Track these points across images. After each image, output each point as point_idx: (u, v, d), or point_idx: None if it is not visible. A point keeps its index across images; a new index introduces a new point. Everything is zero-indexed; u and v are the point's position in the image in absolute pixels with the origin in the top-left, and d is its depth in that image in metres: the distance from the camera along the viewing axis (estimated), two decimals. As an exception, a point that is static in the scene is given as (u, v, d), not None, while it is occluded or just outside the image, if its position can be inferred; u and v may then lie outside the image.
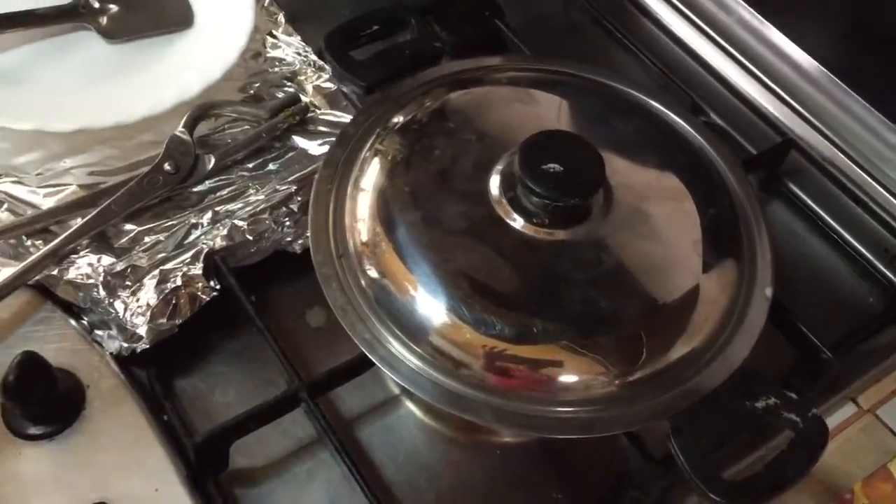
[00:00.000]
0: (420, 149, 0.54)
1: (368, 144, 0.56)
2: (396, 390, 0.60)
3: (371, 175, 0.54)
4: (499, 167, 0.53)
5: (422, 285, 0.50)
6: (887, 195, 0.71)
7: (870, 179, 0.72)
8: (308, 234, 0.60)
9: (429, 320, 0.50)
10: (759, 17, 0.78)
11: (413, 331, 0.50)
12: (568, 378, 0.49)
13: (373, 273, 0.51)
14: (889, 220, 0.71)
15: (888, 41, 0.71)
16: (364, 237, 0.52)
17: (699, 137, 0.60)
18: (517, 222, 0.51)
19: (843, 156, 0.73)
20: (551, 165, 0.50)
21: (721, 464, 0.48)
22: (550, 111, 0.57)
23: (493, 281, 0.51)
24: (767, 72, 0.78)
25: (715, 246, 0.53)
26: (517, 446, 0.59)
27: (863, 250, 0.71)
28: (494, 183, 0.53)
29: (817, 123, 0.74)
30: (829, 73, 0.73)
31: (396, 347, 0.50)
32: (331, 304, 0.51)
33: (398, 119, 0.57)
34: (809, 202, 0.73)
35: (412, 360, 0.49)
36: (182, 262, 0.58)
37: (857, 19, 0.73)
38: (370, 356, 0.49)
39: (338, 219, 0.53)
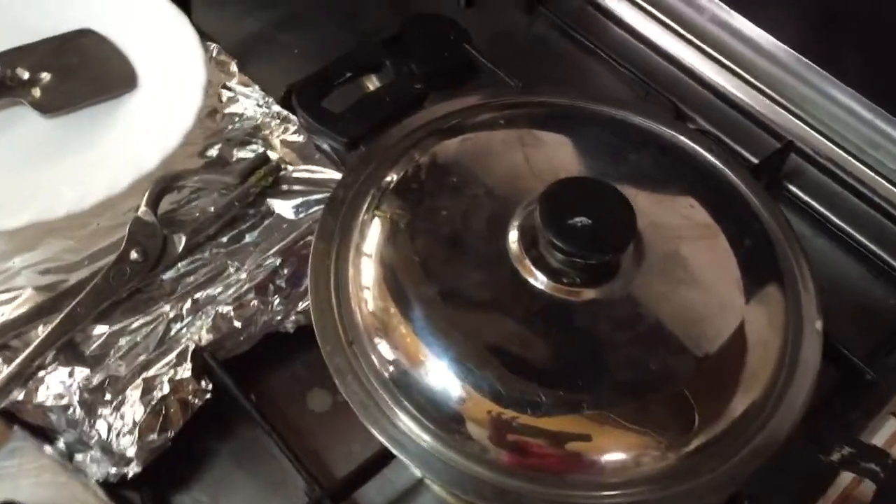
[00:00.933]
0: (424, 211, 0.49)
1: (364, 209, 0.50)
2: (419, 473, 0.54)
3: (373, 246, 0.49)
4: (515, 223, 0.48)
5: (444, 365, 0.45)
6: (890, 186, 0.69)
7: (870, 172, 0.69)
8: (299, 311, 0.55)
9: (457, 404, 0.44)
10: (731, 10, 0.75)
11: (441, 419, 0.45)
12: (615, 455, 0.44)
13: (389, 356, 0.46)
14: (893, 210, 0.68)
15: (865, 23, 0.68)
16: (375, 318, 0.47)
17: (711, 157, 0.55)
18: (542, 283, 0.47)
19: (840, 151, 0.70)
20: (578, 219, 0.45)
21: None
22: (558, 152, 0.52)
23: (521, 352, 0.46)
24: (747, 68, 0.74)
25: (756, 282, 0.49)
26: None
27: (875, 248, 0.67)
28: (513, 241, 0.48)
29: (809, 119, 0.71)
30: (810, 62, 0.70)
31: (425, 439, 0.44)
32: (348, 399, 0.45)
33: (392, 177, 0.51)
34: (814, 204, 0.69)
35: (443, 452, 0.44)
36: (167, 364, 0.51)
37: (828, 3, 0.70)
38: (400, 455, 0.44)
39: (342, 299, 0.48)
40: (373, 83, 0.62)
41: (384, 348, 0.46)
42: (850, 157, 0.70)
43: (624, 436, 0.44)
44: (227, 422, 0.53)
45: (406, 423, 0.45)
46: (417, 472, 0.52)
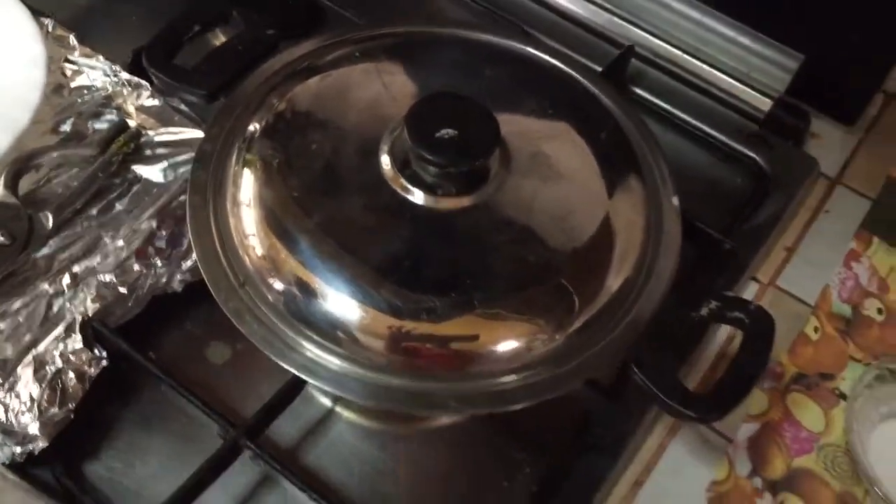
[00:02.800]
0: (294, 149, 0.50)
1: (234, 158, 0.51)
2: (329, 403, 0.55)
3: (249, 189, 0.49)
4: (385, 147, 0.50)
5: (335, 287, 0.46)
6: (723, 76, 0.74)
7: (706, 67, 0.74)
8: (184, 270, 0.55)
9: (357, 324, 0.46)
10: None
11: (345, 340, 0.46)
12: (509, 345, 0.47)
13: (283, 291, 0.47)
14: (733, 101, 0.74)
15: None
16: (264, 259, 0.47)
17: (562, 65, 0.58)
18: (420, 198, 0.48)
19: (677, 51, 0.75)
20: (444, 132, 0.47)
21: (686, 380, 0.47)
22: (415, 76, 0.54)
23: (406, 262, 0.48)
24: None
25: (615, 171, 0.52)
26: (466, 422, 0.57)
27: (718, 135, 0.72)
28: (386, 164, 0.49)
29: (645, 25, 0.75)
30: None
31: (333, 362, 0.46)
32: (250, 337, 0.46)
33: (257, 123, 0.52)
34: (660, 102, 0.74)
35: (352, 370, 0.46)
36: (55, 339, 0.50)
37: None
38: (313, 380, 0.45)
39: (226, 244, 0.48)
40: (222, 36, 0.61)
41: (277, 285, 0.47)
42: (686, 56, 0.74)
43: (514, 326, 0.47)
44: (129, 386, 0.53)
45: (312, 350, 0.46)
46: (328, 399, 0.53)
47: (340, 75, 0.54)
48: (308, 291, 0.46)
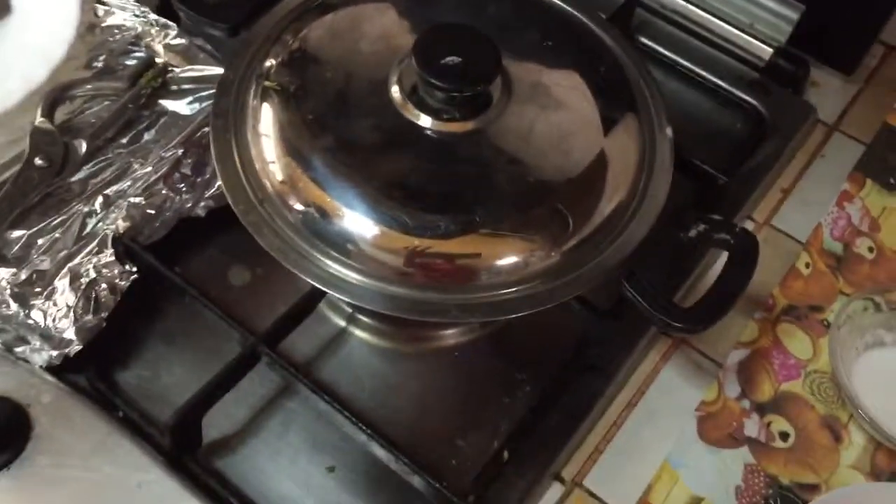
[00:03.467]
0: (311, 76, 0.53)
1: (254, 86, 0.54)
2: (342, 322, 0.59)
3: (268, 114, 0.52)
4: (395, 76, 0.53)
5: (348, 205, 0.49)
6: (726, 26, 0.76)
7: (710, 17, 0.77)
8: (207, 196, 0.59)
9: (364, 237, 0.49)
10: None
11: (351, 250, 0.49)
12: (508, 260, 0.50)
13: (299, 207, 0.50)
14: (734, 49, 0.76)
15: None
16: (280, 176, 0.51)
17: (567, 7, 0.61)
18: (426, 122, 0.52)
19: (681, 0, 0.77)
20: (449, 59, 0.50)
21: (673, 294, 0.51)
22: (424, 12, 0.57)
23: (414, 183, 0.51)
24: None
25: (611, 101, 0.55)
26: (470, 343, 0.60)
27: (720, 82, 0.75)
28: (395, 91, 0.52)
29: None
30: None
31: (348, 275, 0.49)
32: (268, 248, 0.49)
33: (276, 55, 0.55)
34: (663, 51, 0.76)
35: (360, 280, 0.49)
36: (89, 253, 0.54)
37: None
38: (325, 288, 0.49)
39: (247, 166, 0.52)
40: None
41: (294, 203, 0.50)
42: (691, 6, 0.77)
43: (513, 243, 0.50)
44: (156, 301, 0.57)
45: (326, 262, 0.49)
46: (342, 319, 0.57)
47: (353, 11, 0.57)
48: (322, 209, 0.50)
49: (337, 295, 0.49)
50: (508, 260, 0.50)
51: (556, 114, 0.54)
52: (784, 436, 0.57)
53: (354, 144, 0.51)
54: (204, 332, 0.57)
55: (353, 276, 0.49)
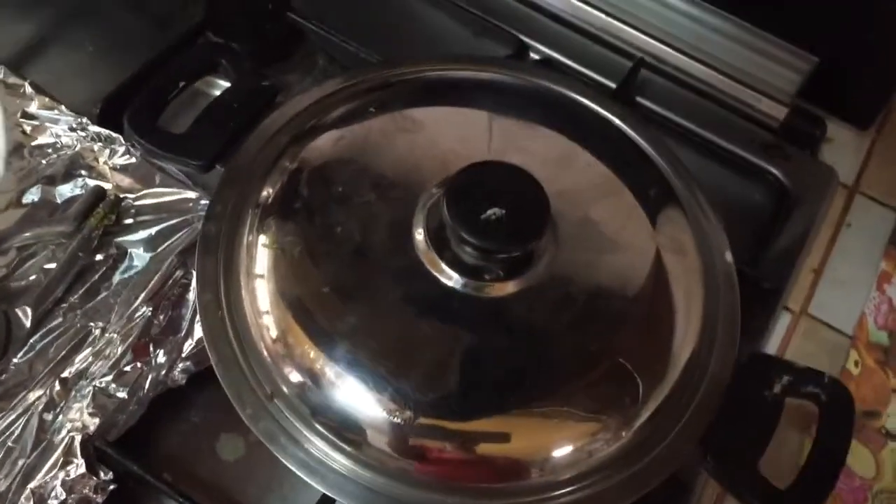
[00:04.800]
0: (318, 232, 0.44)
1: (246, 244, 0.44)
2: None
3: (272, 287, 0.43)
4: (420, 225, 0.44)
5: (387, 396, 0.41)
6: (737, 84, 0.69)
7: (717, 74, 0.70)
8: (184, 357, 0.49)
9: (411, 431, 0.41)
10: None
11: (387, 457, 0.41)
12: (564, 449, 0.42)
13: (316, 401, 0.41)
14: (746, 109, 0.69)
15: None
16: (295, 365, 0.42)
17: (586, 101, 0.53)
18: (462, 283, 0.43)
19: (683, 56, 0.70)
20: (491, 211, 0.41)
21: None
22: (440, 133, 0.48)
23: (460, 362, 0.42)
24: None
25: (666, 230, 0.48)
26: None
27: (734, 148, 0.68)
28: (421, 245, 0.43)
29: (647, 29, 0.70)
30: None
31: (370, 479, 0.41)
32: (289, 463, 0.41)
33: (267, 197, 0.45)
34: (669, 114, 0.69)
35: (396, 490, 0.41)
36: (54, 465, 0.44)
37: None
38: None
39: (248, 351, 0.42)
40: (211, 86, 0.54)
41: (313, 396, 0.41)
42: (694, 62, 0.69)
43: (569, 427, 0.42)
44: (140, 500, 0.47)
45: (349, 466, 0.41)
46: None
47: (357, 134, 0.47)
48: (344, 400, 0.41)
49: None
50: (563, 450, 0.42)
51: (610, 256, 0.46)
52: (864, 575, 0.52)
53: (381, 320, 0.43)
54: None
55: (385, 483, 0.41)
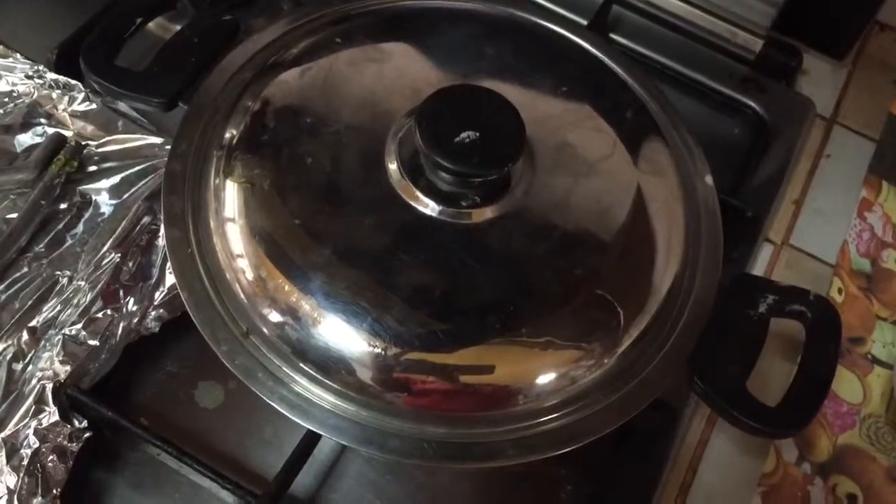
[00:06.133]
0: (286, 165, 0.42)
1: (213, 179, 0.43)
2: (364, 452, 0.49)
3: (241, 223, 0.41)
4: (392, 154, 0.43)
5: (365, 328, 0.39)
6: (711, 18, 0.68)
7: (690, 7, 0.68)
8: (157, 304, 0.48)
9: (382, 364, 0.40)
10: None
11: (368, 386, 0.40)
12: (548, 376, 0.41)
13: (294, 336, 0.40)
14: (721, 43, 0.69)
15: None
16: (270, 300, 0.40)
17: (558, 28, 0.52)
18: (439, 211, 0.42)
19: (654, -11, 0.69)
20: (465, 135, 0.40)
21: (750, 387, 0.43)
22: (409, 62, 0.46)
23: (440, 290, 0.41)
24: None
25: (644, 154, 0.47)
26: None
27: (711, 83, 0.67)
28: (395, 174, 0.42)
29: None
30: None
31: (356, 411, 0.40)
32: (268, 398, 0.39)
33: (232, 133, 0.44)
34: (644, 51, 0.68)
35: (376, 420, 0.40)
36: (26, 414, 0.43)
37: None
38: (340, 440, 0.39)
39: (221, 287, 0.41)
40: (170, 25, 0.52)
41: (290, 331, 0.40)
42: (670, -3, 0.68)
43: (551, 353, 0.41)
44: (116, 451, 0.46)
45: (333, 401, 0.40)
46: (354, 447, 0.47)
47: (322, 67, 0.46)
48: (325, 335, 0.40)
49: (354, 446, 0.39)
50: (545, 377, 0.41)
51: (588, 181, 0.45)
52: (852, 498, 0.52)
53: (355, 252, 0.41)
54: (182, 480, 0.46)
55: (366, 414, 0.40)
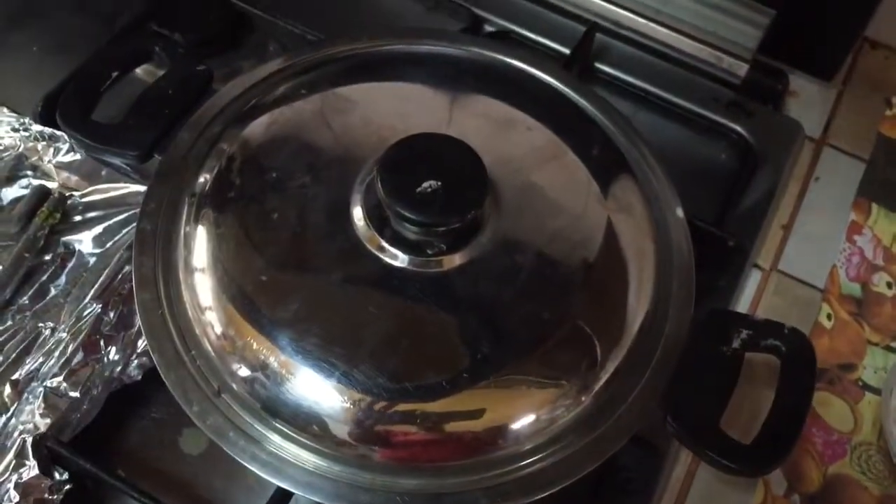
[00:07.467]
0: (254, 219, 0.43)
1: (182, 236, 0.43)
2: None
3: (211, 278, 0.42)
4: (357, 205, 0.43)
5: (332, 384, 0.40)
6: (696, 44, 0.68)
7: (675, 34, 0.68)
8: (140, 352, 0.49)
9: (357, 420, 0.40)
10: None
11: (345, 443, 0.40)
12: (526, 419, 0.41)
13: (265, 394, 0.40)
14: (706, 68, 0.68)
15: None
16: (240, 359, 0.41)
17: (524, 65, 0.52)
18: (406, 261, 0.42)
19: (639, 18, 0.68)
20: (427, 184, 0.40)
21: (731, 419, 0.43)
22: (371, 108, 0.47)
23: (410, 342, 0.41)
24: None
25: (613, 189, 0.47)
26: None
27: (695, 108, 0.67)
28: (361, 226, 0.43)
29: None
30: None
31: (333, 469, 0.40)
32: (241, 459, 0.40)
33: (201, 187, 0.44)
34: (629, 78, 0.68)
35: (353, 477, 0.40)
36: (7, 468, 0.43)
37: None
38: (315, 497, 0.39)
39: (193, 349, 0.42)
40: (155, 71, 0.53)
41: (261, 390, 0.40)
42: (650, 23, 0.68)
43: (529, 395, 0.41)
44: (99, 503, 0.47)
45: (311, 459, 0.40)
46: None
47: (289, 116, 0.47)
48: (295, 391, 0.40)
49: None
50: (522, 421, 0.41)
51: (556, 220, 0.45)
52: (843, 531, 0.51)
53: (324, 306, 0.42)
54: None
55: (342, 471, 0.40)
